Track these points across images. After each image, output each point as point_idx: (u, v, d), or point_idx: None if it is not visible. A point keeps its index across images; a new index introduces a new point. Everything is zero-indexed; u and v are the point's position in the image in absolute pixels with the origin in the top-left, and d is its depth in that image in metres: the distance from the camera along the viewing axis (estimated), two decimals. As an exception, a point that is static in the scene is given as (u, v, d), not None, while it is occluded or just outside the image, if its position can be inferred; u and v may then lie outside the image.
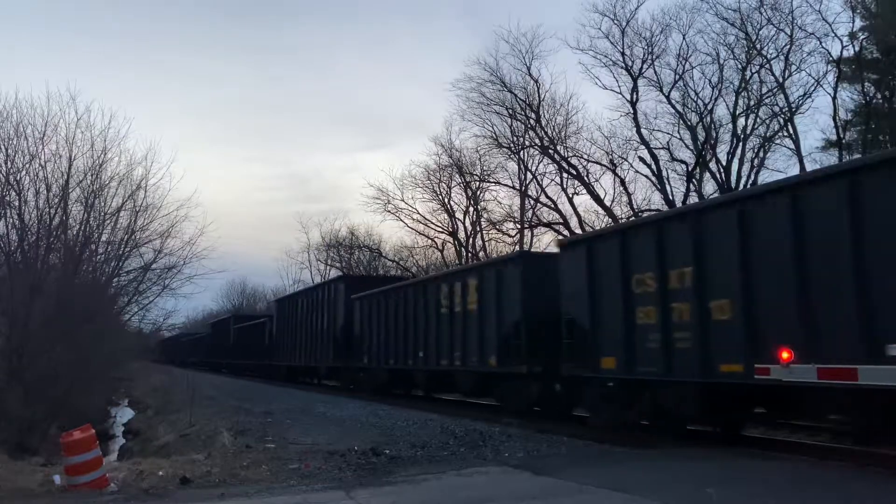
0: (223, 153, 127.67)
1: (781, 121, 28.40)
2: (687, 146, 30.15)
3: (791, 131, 28.15)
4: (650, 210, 29.58)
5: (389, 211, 41.10)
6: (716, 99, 29.44)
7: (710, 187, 29.76)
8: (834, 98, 26.74)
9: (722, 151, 29.74)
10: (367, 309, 22.37)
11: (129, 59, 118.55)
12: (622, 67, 30.62)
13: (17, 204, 19.60)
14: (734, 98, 29.03)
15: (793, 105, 27.77)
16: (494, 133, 34.94)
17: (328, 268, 55.73)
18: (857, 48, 27.04)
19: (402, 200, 40.64)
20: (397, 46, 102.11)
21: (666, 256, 10.31)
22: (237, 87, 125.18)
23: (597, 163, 32.47)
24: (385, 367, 20.82)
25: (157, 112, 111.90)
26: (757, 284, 8.90)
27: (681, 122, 30.12)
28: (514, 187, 36.30)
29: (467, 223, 39.99)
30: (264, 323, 37.78)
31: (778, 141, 29.05)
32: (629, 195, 31.72)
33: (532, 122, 33.68)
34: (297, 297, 32.29)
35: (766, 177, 27.92)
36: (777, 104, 28.51)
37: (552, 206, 34.51)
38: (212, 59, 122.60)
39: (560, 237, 28.89)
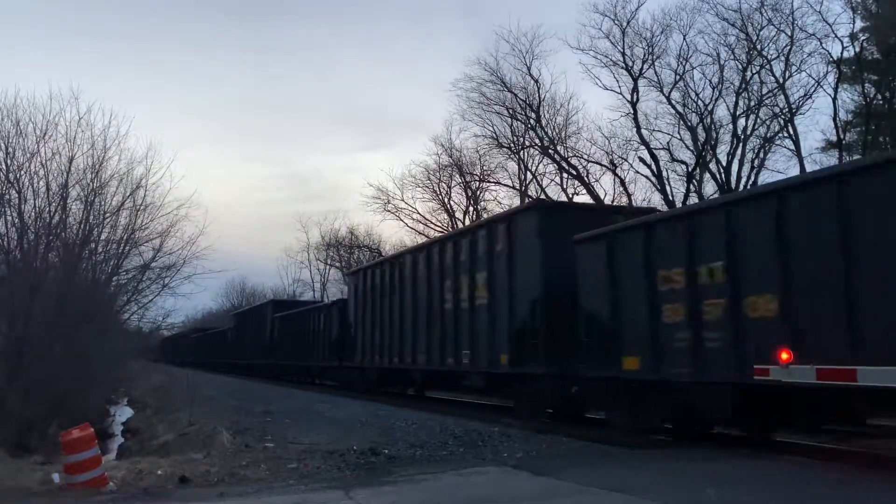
0: (223, 153, 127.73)
1: (782, 121, 28.40)
2: (687, 147, 30.16)
3: (791, 132, 28.16)
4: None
5: (389, 211, 41.15)
6: (716, 99, 29.47)
7: (710, 188, 29.81)
8: (834, 99, 26.76)
9: (722, 152, 29.76)
10: (628, 256, 11.17)
11: (129, 58, 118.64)
12: (622, 68, 30.64)
13: (16, 202, 19.63)
14: (734, 99, 29.05)
15: (793, 106, 27.77)
16: (494, 133, 34.98)
17: (328, 267, 55.89)
18: (857, 49, 27.05)
19: (402, 200, 40.68)
20: (397, 46, 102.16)
21: None
22: (237, 86, 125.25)
23: (597, 163, 32.53)
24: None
25: (158, 112, 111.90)
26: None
27: (681, 122, 30.14)
28: (514, 187, 36.37)
29: (467, 223, 40.01)
30: (330, 307, 28.29)
31: (778, 142, 29.06)
32: (629, 196, 31.75)
33: (532, 122, 33.71)
34: (403, 260, 20.37)
35: (766, 177, 27.94)
36: (777, 105, 28.52)
37: (552, 206, 34.49)
38: (212, 59, 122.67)
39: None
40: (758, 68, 28.34)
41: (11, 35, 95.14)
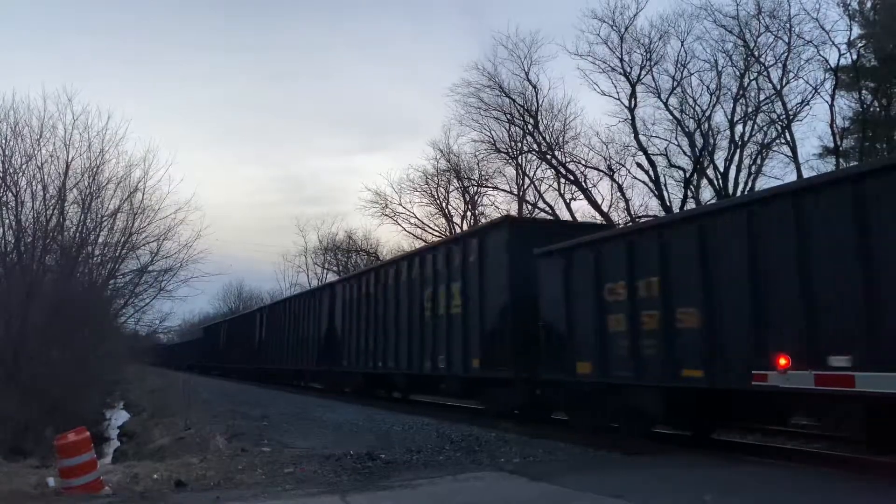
0: (220, 154, 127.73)
1: (779, 128, 28.51)
2: (685, 152, 30.27)
3: (788, 138, 28.29)
4: (648, 216, 29.65)
5: (387, 215, 41.29)
6: (714, 105, 29.62)
7: (707, 194, 29.91)
8: (831, 106, 26.90)
9: (720, 158, 29.89)
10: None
11: (125, 59, 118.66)
12: (620, 73, 30.77)
13: (13, 205, 19.62)
14: (732, 105, 29.20)
15: (790, 112, 27.89)
16: (492, 138, 35.07)
17: (325, 271, 55.81)
18: (854, 56, 27.18)
19: (400, 204, 40.78)
20: (396, 48, 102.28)
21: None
22: (234, 87, 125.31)
23: (594, 168, 32.61)
24: None
25: (154, 113, 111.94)
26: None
27: (679, 128, 30.25)
28: (511, 192, 36.45)
29: (465, 228, 40.00)
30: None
31: (775, 148, 29.20)
32: (627, 201, 31.85)
33: (530, 127, 33.79)
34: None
35: (763, 183, 28.06)
36: (775, 111, 28.65)
37: (550, 211, 34.58)
38: (209, 60, 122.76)
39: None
40: (755, 75, 28.52)
41: (7, 36, 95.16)
